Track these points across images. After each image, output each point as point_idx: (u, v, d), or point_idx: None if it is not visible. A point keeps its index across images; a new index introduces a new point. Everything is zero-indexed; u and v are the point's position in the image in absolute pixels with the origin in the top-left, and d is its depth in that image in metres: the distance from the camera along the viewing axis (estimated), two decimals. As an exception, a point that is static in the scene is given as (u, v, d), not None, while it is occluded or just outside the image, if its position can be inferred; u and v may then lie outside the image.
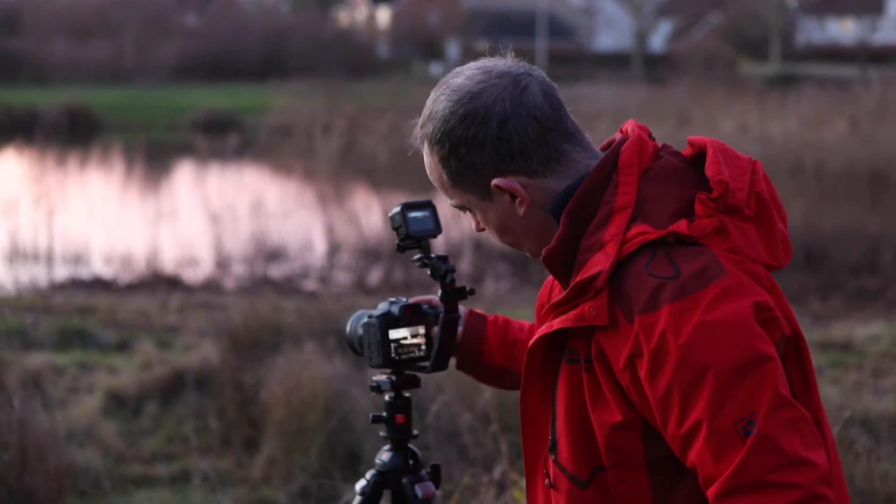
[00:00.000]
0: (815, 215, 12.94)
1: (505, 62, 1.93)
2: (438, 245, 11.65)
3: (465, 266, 12.05)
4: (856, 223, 12.98)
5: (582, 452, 1.86)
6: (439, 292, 2.22)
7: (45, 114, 28.46)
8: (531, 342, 1.90)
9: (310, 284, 11.68)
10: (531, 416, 1.96)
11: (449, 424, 5.15)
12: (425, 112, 1.94)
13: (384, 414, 2.37)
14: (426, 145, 1.95)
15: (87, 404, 6.43)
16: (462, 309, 2.33)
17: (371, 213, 13.88)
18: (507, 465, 4.14)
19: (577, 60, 51.09)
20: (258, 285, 11.38)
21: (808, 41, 58.52)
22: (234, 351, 6.51)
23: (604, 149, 1.96)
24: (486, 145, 1.88)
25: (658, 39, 61.44)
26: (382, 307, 2.32)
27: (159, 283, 11.43)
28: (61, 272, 11.84)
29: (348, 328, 2.42)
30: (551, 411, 1.92)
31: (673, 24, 62.90)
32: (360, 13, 65.77)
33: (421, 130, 1.95)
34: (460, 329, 2.33)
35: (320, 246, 13.35)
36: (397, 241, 2.22)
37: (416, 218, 2.20)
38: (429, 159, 1.96)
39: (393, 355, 2.30)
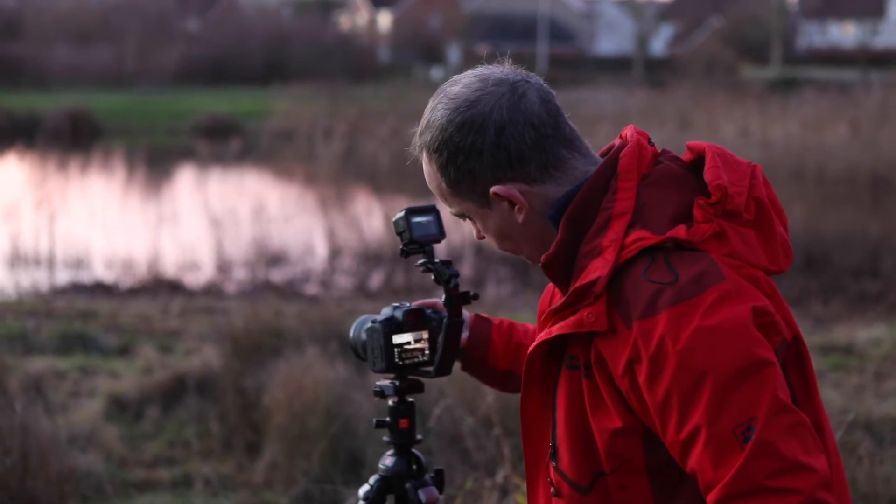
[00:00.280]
0: (816, 219, 12.94)
1: (502, 69, 1.93)
2: (440, 249, 11.63)
3: (466, 270, 12.05)
4: (857, 227, 12.99)
5: (582, 459, 1.86)
6: (443, 297, 2.22)
7: (47, 118, 28.48)
8: (531, 349, 1.90)
9: (311, 288, 11.68)
10: (532, 422, 1.96)
11: (451, 429, 5.15)
12: (423, 121, 1.95)
13: (388, 419, 2.37)
14: (424, 154, 1.95)
15: (89, 409, 6.43)
16: (467, 313, 2.33)
17: (372, 218, 13.89)
18: (510, 470, 4.14)
19: (578, 64, 51.11)
20: (259, 289, 11.38)
21: (809, 45, 58.53)
22: (235, 355, 6.50)
23: (603, 154, 1.96)
24: (483, 153, 1.88)
25: (659, 43, 61.46)
26: (386, 312, 2.32)
27: (161, 287, 11.44)
28: (63, 277, 11.84)
29: (352, 333, 2.42)
30: (551, 418, 1.92)
31: (674, 28, 62.92)
32: (361, 17, 65.82)
33: (419, 139, 1.96)
34: (465, 333, 2.33)
35: (321, 250, 13.36)
36: (401, 246, 2.22)
37: (419, 223, 2.20)
38: (427, 168, 1.96)
39: (396, 360, 2.30)
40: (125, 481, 5.52)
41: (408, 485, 2.35)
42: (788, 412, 1.71)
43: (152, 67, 41.51)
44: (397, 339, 2.29)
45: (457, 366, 2.36)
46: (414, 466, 2.36)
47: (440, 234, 2.22)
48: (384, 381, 2.36)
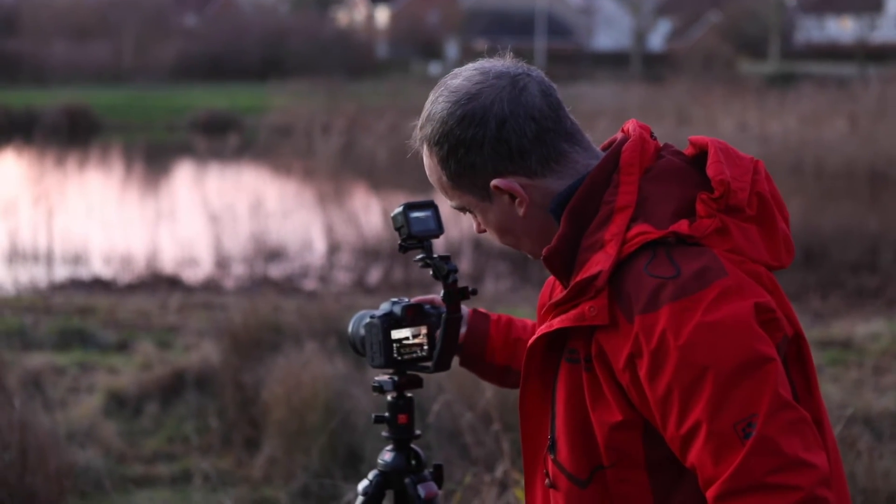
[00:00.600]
0: (814, 214, 12.95)
1: (503, 62, 1.93)
2: (438, 244, 11.64)
3: (465, 265, 12.05)
4: (855, 221, 13.00)
5: (581, 452, 1.85)
6: (441, 292, 2.22)
7: (45, 114, 28.45)
8: (531, 341, 1.90)
9: (310, 284, 11.68)
10: (530, 415, 1.96)
11: (450, 424, 5.15)
12: (424, 114, 1.94)
13: (386, 414, 2.37)
14: (425, 147, 1.94)
15: (88, 404, 6.43)
16: (465, 308, 2.32)
17: (370, 213, 13.88)
18: (509, 465, 4.14)
19: (576, 60, 51.09)
20: (258, 285, 11.38)
21: (807, 40, 58.51)
22: (234, 351, 6.50)
23: (605, 148, 1.96)
24: (484, 146, 1.87)
25: (657, 38, 61.43)
26: (384, 307, 2.32)
27: (159, 283, 11.43)
28: (61, 272, 11.84)
29: (350, 328, 2.41)
30: (551, 411, 1.92)
31: (672, 23, 62.88)
32: (359, 13, 65.76)
33: (420, 132, 1.95)
34: (463, 328, 2.33)
35: (320, 245, 13.35)
36: (399, 242, 2.22)
37: (418, 218, 2.20)
38: (428, 161, 1.96)
39: (395, 356, 2.30)
40: (124, 477, 5.53)
41: (407, 480, 2.34)
42: (789, 408, 1.70)
43: (150, 63, 41.49)
44: (396, 334, 2.29)
45: (455, 361, 2.36)
46: (413, 462, 2.36)
47: (439, 230, 2.21)
48: (383, 377, 2.36)
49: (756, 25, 53.50)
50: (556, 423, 1.90)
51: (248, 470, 5.60)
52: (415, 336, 2.31)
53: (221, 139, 27.11)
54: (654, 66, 45.81)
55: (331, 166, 19.52)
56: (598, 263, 1.79)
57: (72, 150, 25.17)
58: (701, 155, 1.90)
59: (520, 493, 3.98)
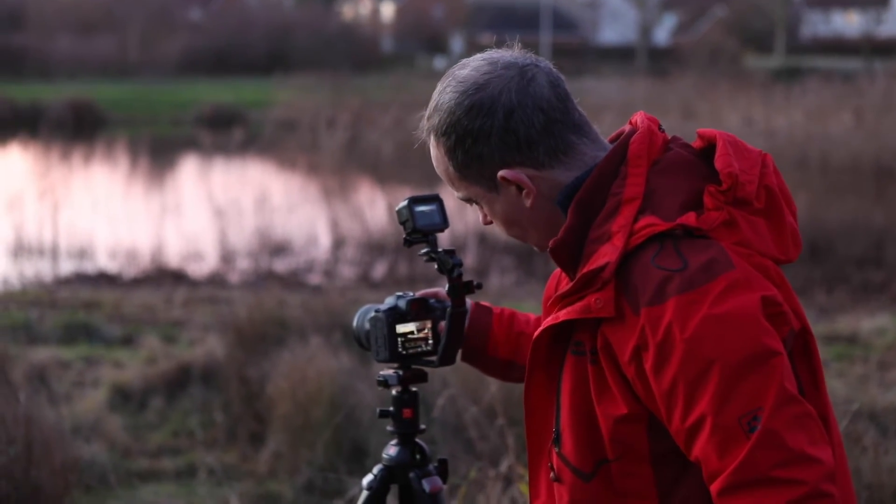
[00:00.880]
0: (820, 208, 12.93)
1: (511, 53, 1.92)
2: (443, 238, 11.62)
3: (470, 259, 12.04)
4: (861, 216, 12.98)
5: (586, 445, 1.85)
6: (446, 286, 2.22)
7: (50, 108, 28.47)
8: (536, 333, 1.89)
9: (315, 278, 11.68)
10: (535, 408, 1.95)
11: (455, 418, 5.15)
12: (431, 104, 1.93)
13: (391, 408, 2.36)
14: (432, 137, 1.94)
15: (93, 398, 6.43)
16: (468, 302, 2.32)
17: (376, 207, 13.87)
18: (514, 459, 4.13)
19: (581, 54, 51.02)
20: (263, 279, 11.38)
21: (812, 34, 58.39)
22: (239, 345, 6.50)
23: (612, 140, 1.95)
24: (492, 136, 1.86)
25: (662, 32, 61.34)
26: (389, 302, 2.32)
27: (164, 277, 11.44)
28: (66, 267, 11.85)
29: (355, 323, 2.41)
30: (555, 403, 1.91)
31: (677, 18, 62.78)
32: (364, 7, 65.71)
33: (427, 122, 1.94)
34: (466, 323, 2.32)
35: (325, 240, 13.35)
36: (404, 236, 2.21)
37: (423, 212, 2.19)
38: (435, 151, 1.95)
39: (400, 350, 2.30)
40: (129, 471, 5.53)
41: (411, 474, 2.34)
42: (795, 403, 1.70)
43: (155, 57, 41.51)
44: (401, 328, 2.29)
45: (459, 355, 2.35)
46: (417, 456, 2.36)
47: (444, 224, 2.21)
48: (388, 371, 2.36)
49: (762, 20, 53.40)
50: (560, 416, 1.89)
51: (253, 464, 5.61)
52: (419, 330, 2.30)
53: (226, 133, 27.12)
54: (660, 61, 45.73)
55: (336, 160, 19.53)
56: (605, 255, 1.78)
57: (77, 145, 25.19)
58: (709, 148, 1.89)
59: (524, 488, 3.98)
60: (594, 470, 1.85)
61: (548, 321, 1.87)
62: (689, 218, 1.78)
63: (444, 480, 2.37)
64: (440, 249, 2.19)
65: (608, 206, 1.83)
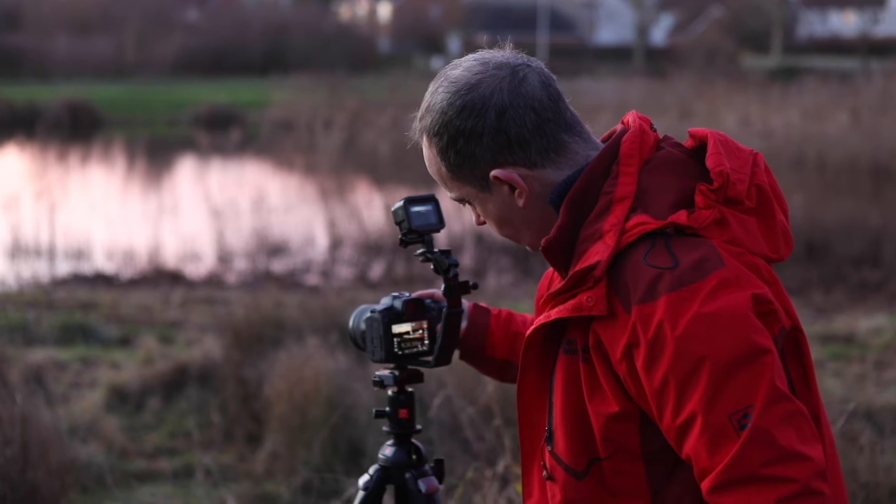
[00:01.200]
0: (817, 208, 12.95)
1: (503, 53, 1.92)
2: (440, 239, 11.62)
3: (466, 260, 12.04)
4: (858, 215, 12.99)
5: (578, 443, 1.85)
6: (442, 287, 2.22)
7: (47, 109, 28.45)
8: (529, 332, 1.89)
9: (312, 279, 11.68)
10: (528, 406, 1.96)
11: (451, 419, 5.15)
12: (423, 104, 1.94)
13: (387, 409, 2.36)
14: (425, 138, 1.94)
15: (90, 399, 6.43)
16: (465, 302, 2.32)
17: (372, 208, 13.88)
18: (510, 460, 4.14)
19: (578, 54, 51.03)
20: (260, 280, 11.38)
21: (809, 34, 58.40)
22: (236, 346, 6.50)
23: (605, 140, 1.95)
24: (484, 136, 1.87)
25: (659, 33, 61.37)
26: (385, 302, 2.32)
27: (161, 277, 11.43)
28: (63, 267, 11.84)
29: (351, 323, 2.41)
30: (548, 402, 1.92)
31: (674, 18, 62.82)
32: (361, 7, 65.71)
33: (419, 123, 1.95)
34: (464, 323, 2.33)
35: (322, 240, 13.35)
36: (400, 236, 2.21)
37: (419, 212, 2.19)
38: (427, 152, 1.95)
39: (396, 350, 2.30)
40: (126, 472, 5.52)
41: (407, 475, 2.34)
42: (785, 401, 1.70)
43: (152, 58, 41.48)
44: (396, 328, 2.29)
45: (456, 355, 2.36)
46: (414, 456, 2.36)
47: (439, 224, 2.21)
48: (384, 371, 2.36)
49: (759, 20, 53.43)
50: (553, 415, 1.89)
51: (250, 465, 5.60)
52: (415, 331, 2.30)
53: (223, 134, 27.13)
54: (657, 61, 45.75)
55: (333, 161, 19.52)
56: (597, 254, 1.79)
57: (74, 145, 25.18)
58: (701, 147, 1.90)
59: (521, 488, 3.98)
60: (586, 468, 1.85)
61: (540, 319, 1.87)
62: (681, 216, 1.79)
63: (441, 481, 2.37)
64: (436, 250, 2.19)
65: (600, 205, 1.83)
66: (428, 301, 2.32)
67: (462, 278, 2.21)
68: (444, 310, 2.24)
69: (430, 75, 1.99)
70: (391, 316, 2.29)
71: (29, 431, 4.59)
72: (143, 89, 35.28)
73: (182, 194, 16.97)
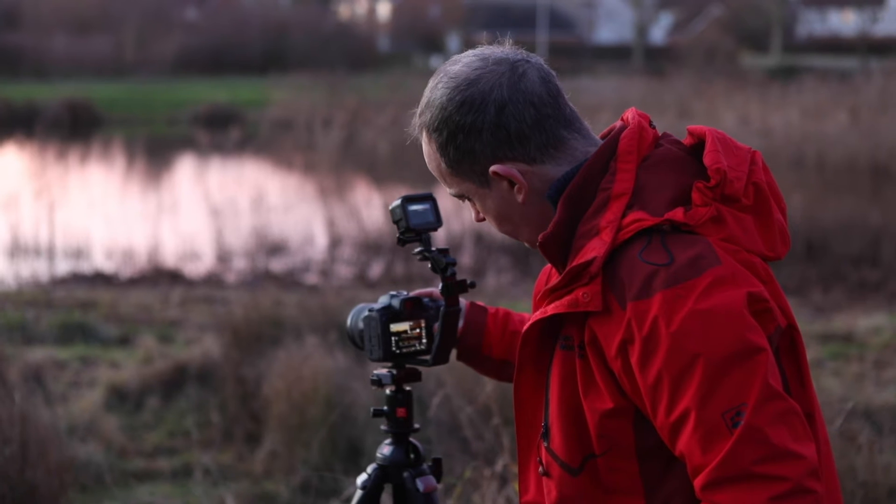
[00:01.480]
0: (816, 207, 12.94)
1: (503, 49, 1.93)
2: (439, 237, 11.63)
3: (466, 259, 12.04)
4: (857, 214, 12.99)
5: (574, 440, 1.86)
6: (440, 285, 2.22)
7: (46, 108, 28.44)
8: (525, 328, 1.90)
9: (311, 278, 11.68)
10: (524, 402, 1.96)
11: (450, 418, 5.15)
12: (423, 100, 1.94)
13: (385, 408, 2.36)
14: (424, 133, 1.94)
15: (89, 399, 6.43)
16: (463, 301, 2.32)
17: (372, 207, 13.87)
18: (509, 459, 4.14)
19: (577, 53, 51.02)
20: (259, 279, 11.38)
21: (809, 33, 58.41)
22: (235, 345, 6.50)
23: (604, 137, 1.96)
24: (483, 132, 1.87)
25: (659, 32, 61.36)
26: (383, 301, 2.32)
27: (161, 277, 11.43)
28: (62, 267, 11.84)
29: (349, 322, 2.41)
30: (545, 398, 1.92)
31: (674, 17, 62.82)
32: (361, 6, 65.69)
33: (419, 119, 1.95)
34: (461, 322, 2.32)
35: (321, 239, 13.35)
36: (398, 235, 2.21)
37: (416, 211, 2.19)
38: (427, 147, 1.95)
39: (394, 349, 2.30)
40: (125, 471, 5.52)
41: (405, 474, 2.35)
42: (779, 399, 1.70)
43: (151, 57, 41.46)
44: (394, 327, 2.29)
45: (453, 355, 2.36)
46: (412, 455, 2.36)
47: (437, 222, 2.21)
48: (381, 370, 2.36)
49: (758, 19, 53.43)
50: (549, 411, 1.90)
51: (249, 464, 5.60)
52: (413, 329, 2.30)
53: (223, 133, 27.13)
54: (656, 60, 45.75)
55: (332, 160, 19.52)
56: (593, 250, 1.79)
57: (73, 144, 25.17)
58: (699, 144, 1.90)
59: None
60: (581, 465, 1.86)
61: (536, 315, 1.88)
62: (677, 213, 1.79)
63: (439, 480, 2.37)
64: (433, 248, 2.19)
65: (597, 201, 1.84)
66: (426, 300, 2.32)
67: (461, 277, 2.21)
68: (442, 308, 2.24)
69: (430, 74, 1.99)
70: (389, 315, 2.29)
71: (28, 430, 4.59)
72: (142, 88, 35.27)
73: (181, 193, 16.97)
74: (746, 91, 23.93)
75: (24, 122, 27.03)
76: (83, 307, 9.10)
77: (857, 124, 19.67)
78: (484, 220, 1.99)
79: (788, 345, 1.83)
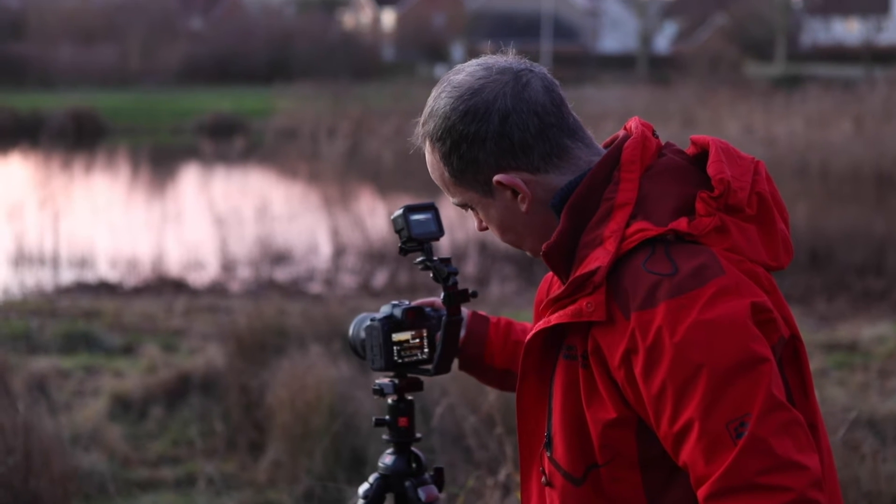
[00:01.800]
0: (820, 216, 12.93)
1: (506, 59, 1.92)
2: (443, 247, 11.64)
3: (470, 268, 12.04)
4: (861, 224, 12.97)
5: (577, 449, 1.85)
6: (442, 295, 2.22)
7: (51, 118, 28.49)
8: (528, 337, 1.89)
9: (315, 287, 11.68)
10: (527, 412, 1.96)
11: (454, 427, 5.14)
12: (426, 110, 1.94)
13: (387, 417, 2.36)
14: (427, 143, 1.94)
15: (93, 408, 6.43)
16: (464, 311, 2.32)
17: (376, 216, 13.88)
18: (512, 468, 4.13)
19: (581, 62, 51.05)
20: (263, 288, 11.38)
21: (813, 42, 58.44)
22: (239, 354, 6.50)
23: (607, 146, 1.96)
24: (487, 141, 1.87)
25: (663, 41, 61.40)
26: (385, 310, 2.32)
27: (165, 286, 11.44)
28: (67, 276, 11.85)
29: (351, 331, 2.41)
30: (547, 408, 1.91)
31: (678, 26, 62.85)
32: (365, 16, 65.80)
33: (422, 128, 1.94)
34: (462, 331, 2.32)
35: (325, 249, 13.36)
36: (400, 244, 2.21)
37: (418, 220, 2.19)
38: (430, 157, 1.95)
39: (395, 358, 2.30)
40: (129, 480, 5.52)
41: (407, 483, 2.34)
42: (782, 409, 1.70)
43: (156, 66, 41.54)
44: (396, 336, 2.29)
45: (455, 364, 2.35)
46: (413, 465, 2.36)
47: (439, 232, 2.21)
48: (383, 380, 2.36)
49: (762, 27, 53.44)
50: (552, 421, 1.89)
51: (253, 473, 5.60)
52: (415, 339, 2.30)
53: (227, 142, 27.15)
54: (660, 69, 45.76)
55: (336, 169, 19.55)
56: (597, 259, 1.79)
57: (78, 154, 25.21)
58: (702, 154, 1.90)
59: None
60: (584, 475, 1.85)
61: (539, 325, 1.87)
62: (681, 223, 1.79)
63: (440, 489, 2.36)
64: (435, 258, 2.19)
65: (601, 211, 1.84)
66: (427, 309, 2.32)
67: (463, 286, 2.21)
68: (444, 318, 2.24)
69: (434, 83, 1.99)
70: (391, 324, 2.29)
71: (32, 440, 4.59)
72: (147, 97, 35.33)
73: (186, 202, 16.99)
74: (750, 100, 23.94)
75: (29, 132, 27.09)
76: (87, 316, 9.11)
77: (861, 133, 19.66)
78: (487, 229, 1.99)
79: (792, 355, 1.83)
